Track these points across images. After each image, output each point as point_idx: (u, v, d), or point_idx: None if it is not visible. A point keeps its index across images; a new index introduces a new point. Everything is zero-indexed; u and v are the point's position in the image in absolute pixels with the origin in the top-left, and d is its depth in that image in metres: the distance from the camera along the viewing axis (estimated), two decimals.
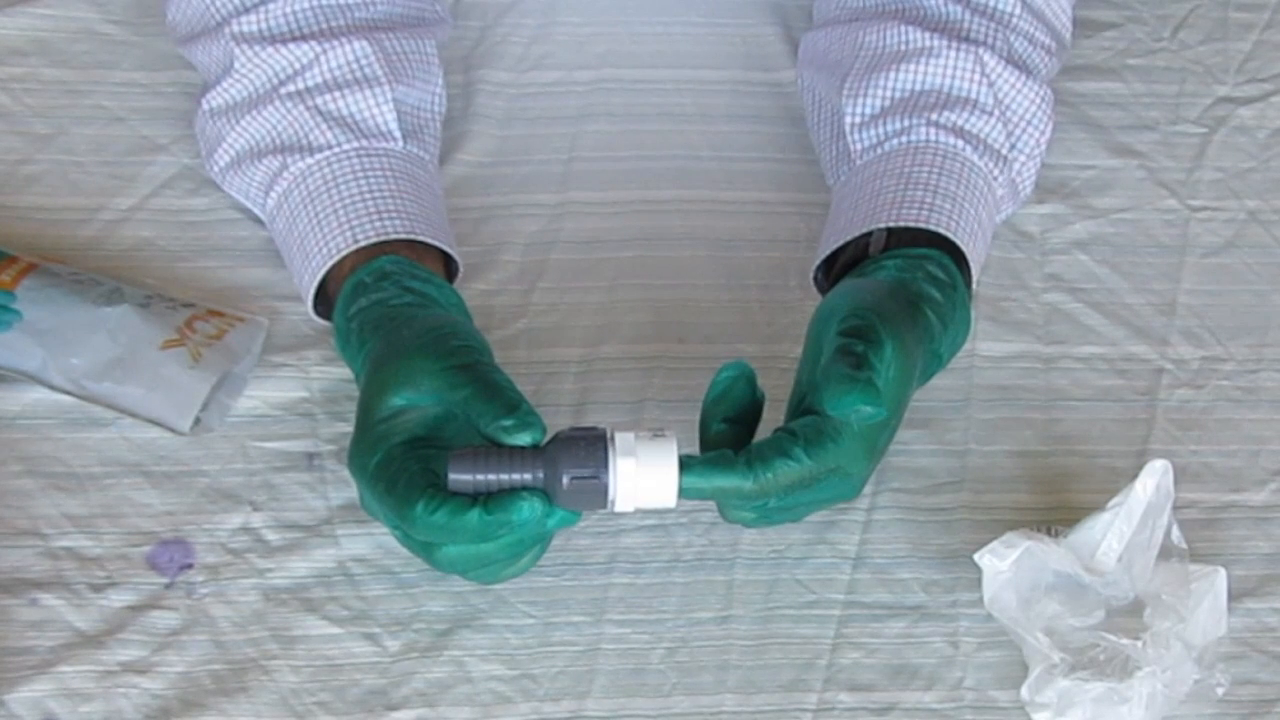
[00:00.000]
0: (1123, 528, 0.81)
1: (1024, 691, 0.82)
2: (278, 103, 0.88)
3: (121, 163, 0.97)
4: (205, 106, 0.91)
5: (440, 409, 0.77)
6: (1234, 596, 0.84)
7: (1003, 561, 0.81)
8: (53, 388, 0.87)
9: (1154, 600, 0.81)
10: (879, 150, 0.90)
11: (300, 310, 0.91)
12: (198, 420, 0.87)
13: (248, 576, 0.84)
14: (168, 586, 0.84)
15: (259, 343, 0.90)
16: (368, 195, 0.86)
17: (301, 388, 0.90)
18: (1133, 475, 0.82)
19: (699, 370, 0.92)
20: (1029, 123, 0.90)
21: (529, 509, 0.74)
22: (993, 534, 0.82)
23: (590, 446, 0.75)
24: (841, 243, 0.87)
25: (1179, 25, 1.09)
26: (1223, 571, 0.83)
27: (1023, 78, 0.90)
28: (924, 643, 0.85)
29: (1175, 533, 0.83)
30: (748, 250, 0.97)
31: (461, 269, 0.89)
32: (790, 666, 0.84)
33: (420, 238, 0.85)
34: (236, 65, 0.89)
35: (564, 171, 0.99)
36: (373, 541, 0.85)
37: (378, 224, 0.85)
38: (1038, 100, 0.90)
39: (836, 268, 0.87)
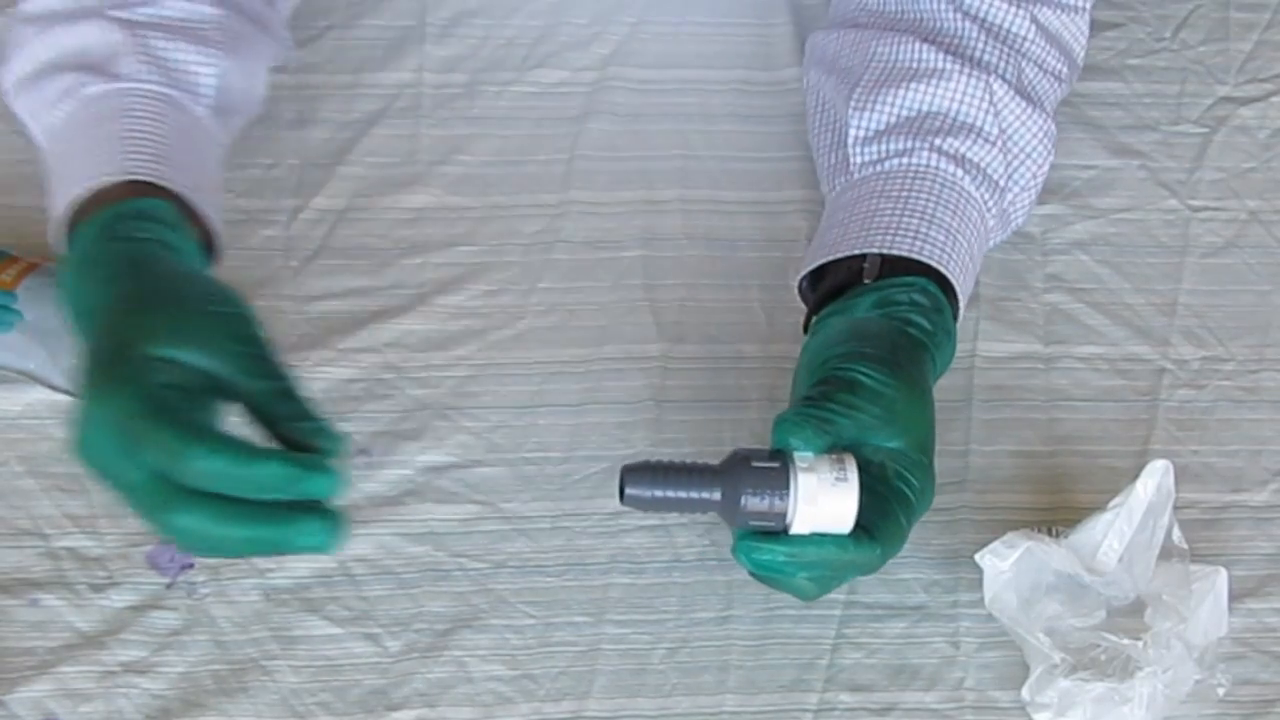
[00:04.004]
0: (1124, 528, 0.81)
1: (1025, 692, 0.82)
2: (100, 21, 0.83)
3: None
4: (20, 11, 0.85)
5: (200, 380, 0.70)
6: (1235, 597, 0.84)
7: (1004, 561, 0.81)
8: (53, 388, 0.87)
9: (1155, 600, 0.81)
10: (879, 168, 0.89)
11: (301, 310, 0.91)
12: None
13: (248, 576, 0.84)
14: (168, 586, 0.84)
15: None
16: (155, 138, 0.80)
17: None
18: (1134, 475, 0.82)
19: (699, 370, 0.92)
20: (1029, 155, 0.90)
21: (326, 483, 0.68)
22: (994, 534, 0.82)
23: (772, 482, 0.75)
24: (832, 258, 0.86)
25: (1180, 25, 1.09)
26: (1224, 572, 0.83)
27: (1029, 109, 0.90)
28: (925, 643, 0.85)
29: (1176, 533, 0.83)
30: (748, 250, 0.97)
31: (218, 257, 0.83)
32: (791, 667, 0.84)
33: (194, 202, 0.80)
34: None
35: (565, 171, 0.99)
36: (374, 541, 0.85)
37: (155, 168, 0.79)
38: (1040, 134, 0.90)
39: (824, 286, 0.87)
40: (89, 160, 0.79)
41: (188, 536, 0.69)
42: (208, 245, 0.82)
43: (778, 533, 0.76)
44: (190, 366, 0.70)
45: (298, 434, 0.71)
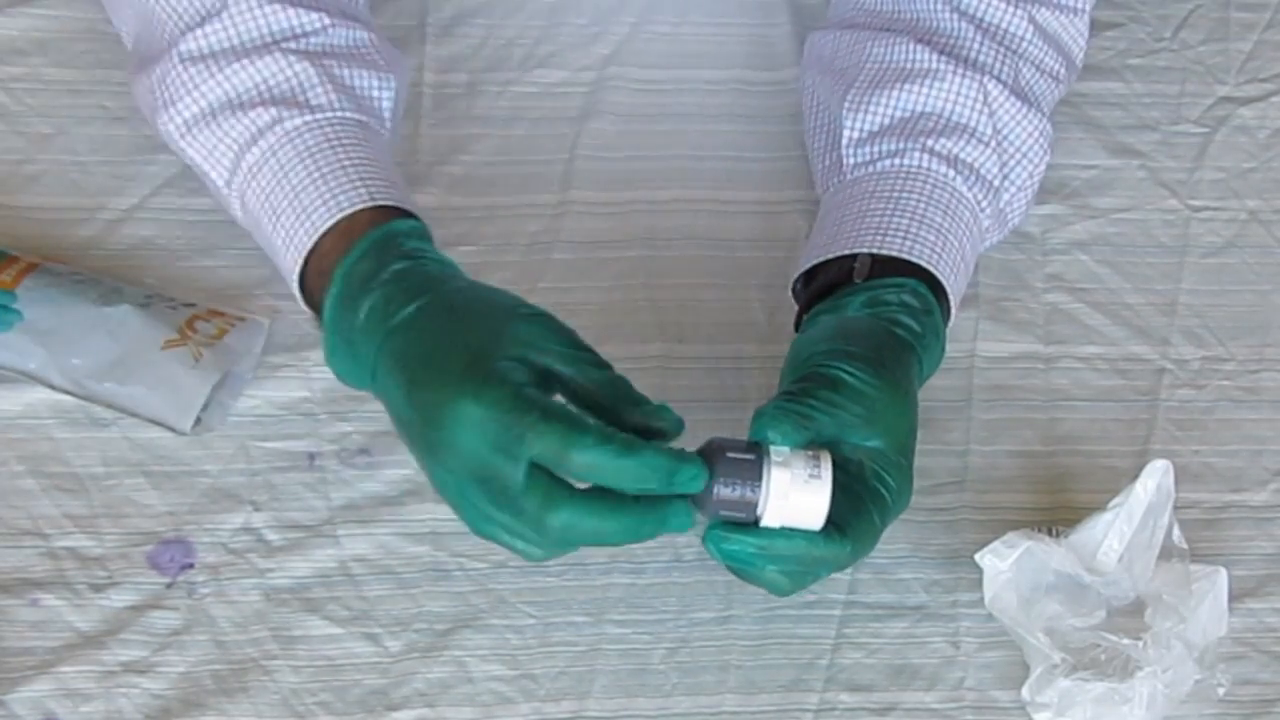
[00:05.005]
0: (1124, 528, 0.81)
1: (1025, 691, 0.82)
2: (278, 55, 0.83)
3: (122, 162, 0.97)
4: (180, 52, 0.83)
5: (541, 379, 0.74)
6: (1235, 597, 0.84)
7: (1004, 561, 0.81)
8: (53, 388, 0.87)
9: (1155, 600, 0.81)
10: (871, 169, 0.89)
11: (301, 310, 0.91)
12: (199, 420, 0.87)
13: (249, 576, 0.84)
14: (169, 586, 0.84)
15: (259, 343, 0.90)
16: (376, 163, 0.82)
17: (302, 387, 0.90)
18: (1134, 475, 0.82)
19: (699, 370, 0.92)
20: (1024, 155, 0.90)
21: (696, 473, 0.72)
22: (994, 534, 0.82)
23: (745, 473, 0.75)
24: (822, 259, 0.87)
25: (1180, 25, 1.09)
26: (1223, 572, 0.83)
27: (1024, 109, 0.90)
28: (925, 643, 0.85)
29: (1176, 533, 0.83)
30: (748, 250, 0.97)
31: None
32: (791, 666, 0.84)
33: (423, 224, 0.82)
34: (232, 11, 0.83)
35: (565, 171, 0.99)
36: (373, 541, 0.85)
37: (391, 191, 0.80)
38: (1036, 134, 0.90)
39: (815, 285, 0.87)
40: (322, 190, 0.80)
41: (566, 532, 0.72)
42: None
43: (749, 524, 0.76)
44: (535, 366, 0.73)
45: (641, 417, 0.74)
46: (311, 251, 0.79)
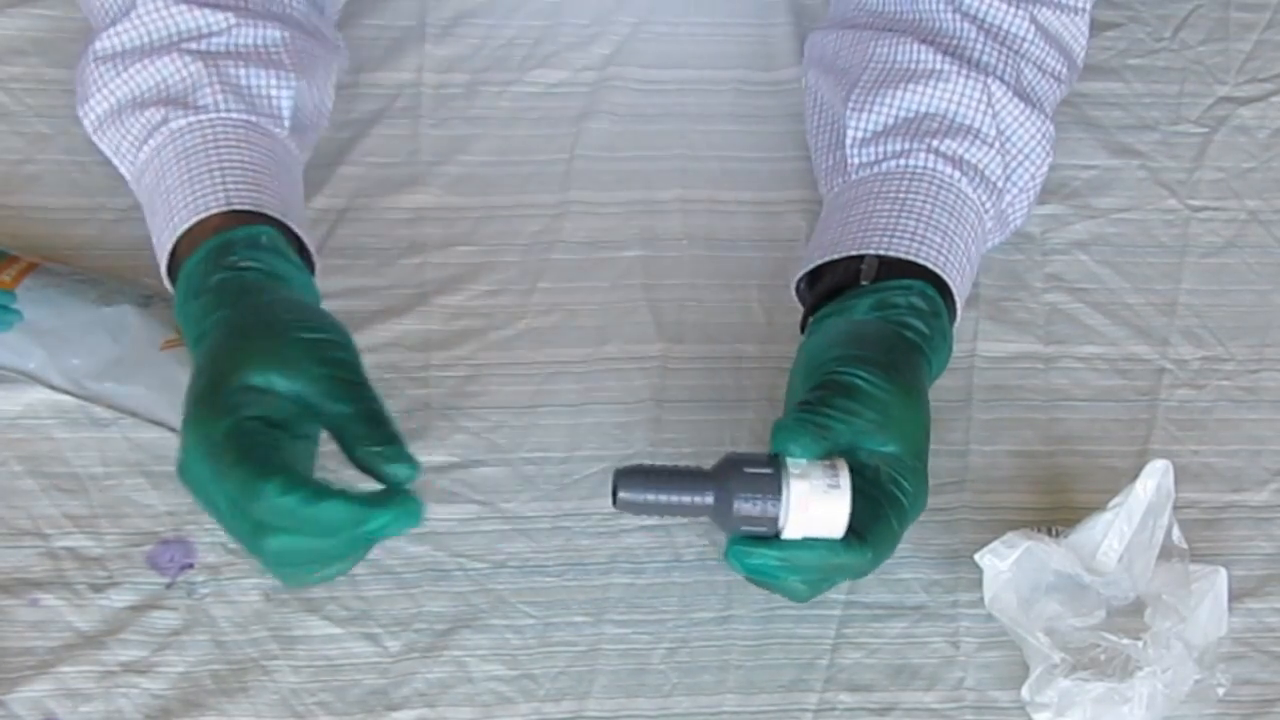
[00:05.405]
0: (1123, 528, 0.81)
1: (1024, 691, 0.82)
2: (175, 55, 0.84)
3: None
4: (94, 51, 0.86)
5: (294, 405, 0.73)
6: (1235, 597, 0.84)
7: (1003, 561, 0.81)
8: (53, 388, 0.87)
9: (1155, 600, 0.81)
10: (876, 169, 0.89)
11: None
12: None
13: (248, 576, 0.84)
14: (168, 586, 0.84)
15: None
16: (248, 165, 0.82)
17: None
18: (1133, 475, 0.82)
19: (699, 370, 0.92)
20: (1027, 156, 0.90)
21: (389, 520, 0.71)
22: (994, 534, 0.82)
23: (765, 487, 0.75)
24: (828, 259, 0.86)
25: (1180, 25, 1.09)
26: (1223, 572, 0.83)
27: (1027, 110, 0.90)
28: (924, 643, 0.85)
29: (1176, 533, 0.83)
30: (748, 250, 0.97)
31: (315, 274, 0.84)
32: (791, 666, 0.84)
33: (291, 224, 0.82)
34: (140, 12, 0.85)
35: (565, 171, 0.99)
36: None
37: (254, 195, 0.81)
38: (1039, 135, 0.90)
39: (821, 286, 0.87)
40: (187, 193, 0.81)
41: (283, 557, 0.72)
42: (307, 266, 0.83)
43: (769, 537, 0.76)
44: (282, 393, 0.73)
45: (369, 460, 0.73)
46: (172, 252, 0.81)
